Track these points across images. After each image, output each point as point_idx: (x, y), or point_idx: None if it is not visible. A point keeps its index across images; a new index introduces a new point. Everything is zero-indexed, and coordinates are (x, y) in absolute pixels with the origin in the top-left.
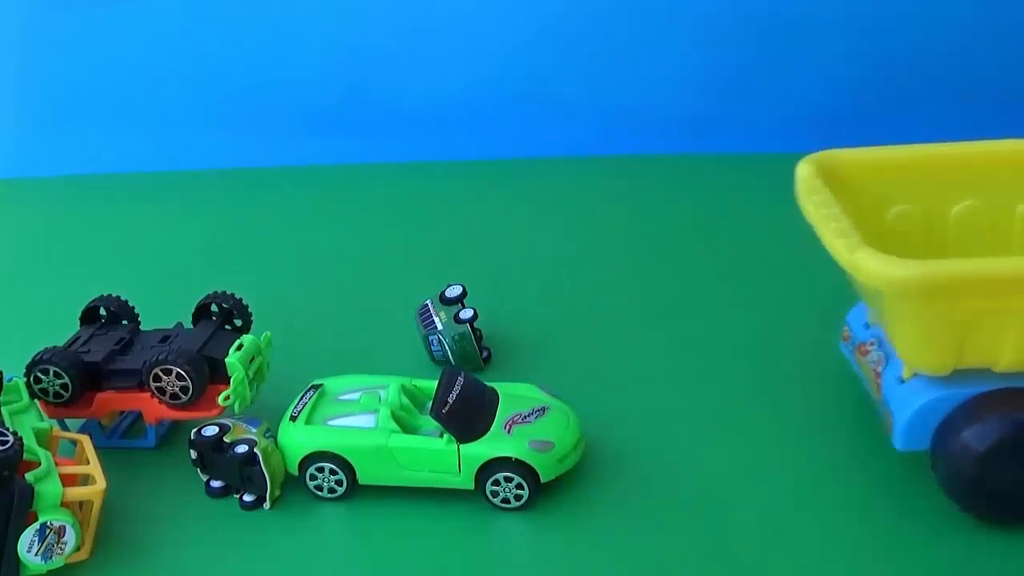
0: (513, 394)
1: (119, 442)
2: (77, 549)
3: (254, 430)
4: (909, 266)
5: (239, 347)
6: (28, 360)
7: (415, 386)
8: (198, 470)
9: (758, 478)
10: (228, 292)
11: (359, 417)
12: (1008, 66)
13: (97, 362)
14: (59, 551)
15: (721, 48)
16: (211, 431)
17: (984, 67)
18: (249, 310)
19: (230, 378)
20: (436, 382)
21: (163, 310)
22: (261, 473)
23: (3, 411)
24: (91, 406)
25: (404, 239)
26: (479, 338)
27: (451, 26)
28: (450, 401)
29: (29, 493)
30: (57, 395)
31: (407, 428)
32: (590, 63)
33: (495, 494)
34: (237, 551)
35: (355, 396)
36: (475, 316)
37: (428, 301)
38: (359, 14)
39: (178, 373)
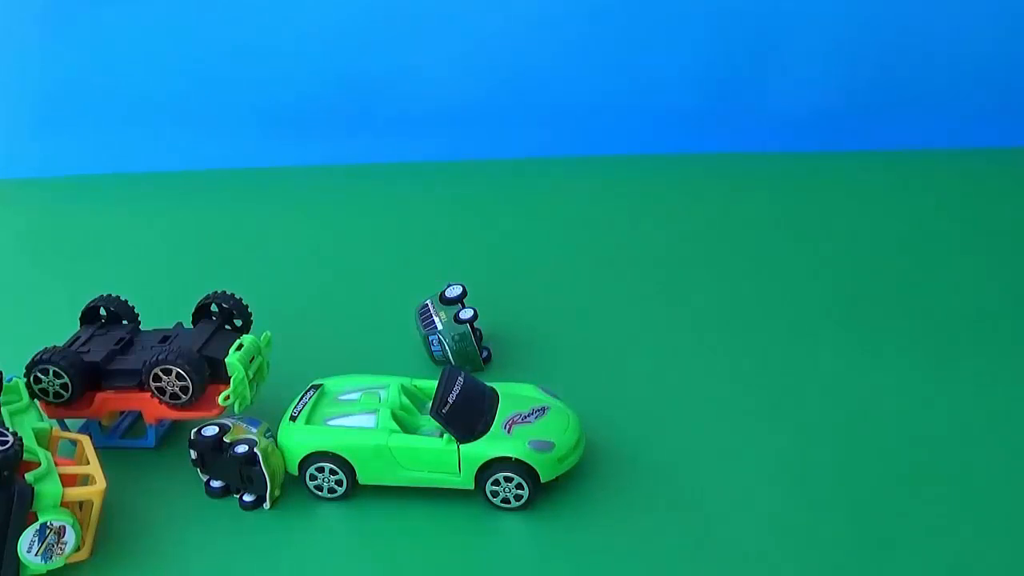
0: (513, 394)
1: (119, 442)
2: (77, 549)
3: (254, 430)
4: None
5: (239, 347)
6: (28, 360)
7: (415, 386)
8: (198, 470)
9: (758, 478)
10: (228, 292)
11: (359, 417)
12: (1007, 68)
13: (97, 362)
14: (59, 551)
15: (721, 48)
16: (211, 431)
17: (984, 69)
18: (249, 310)
19: (230, 378)
20: (436, 382)
21: (163, 310)
22: (261, 473)
23: (3, 411)
24: (91, 406)
25: (404, 239)
26: (479, 338)
27: (451, 28)
28: (450, 401)
29: (29, 493)
30: (57, 395)
31: (407, 428)
32: (590, 64)
33: (495, 494)
34: (237, 551)
35: (355, 396)
36: (475, 316)
37: (428, 301)
38: (360, 15)
39: (178, 373)
